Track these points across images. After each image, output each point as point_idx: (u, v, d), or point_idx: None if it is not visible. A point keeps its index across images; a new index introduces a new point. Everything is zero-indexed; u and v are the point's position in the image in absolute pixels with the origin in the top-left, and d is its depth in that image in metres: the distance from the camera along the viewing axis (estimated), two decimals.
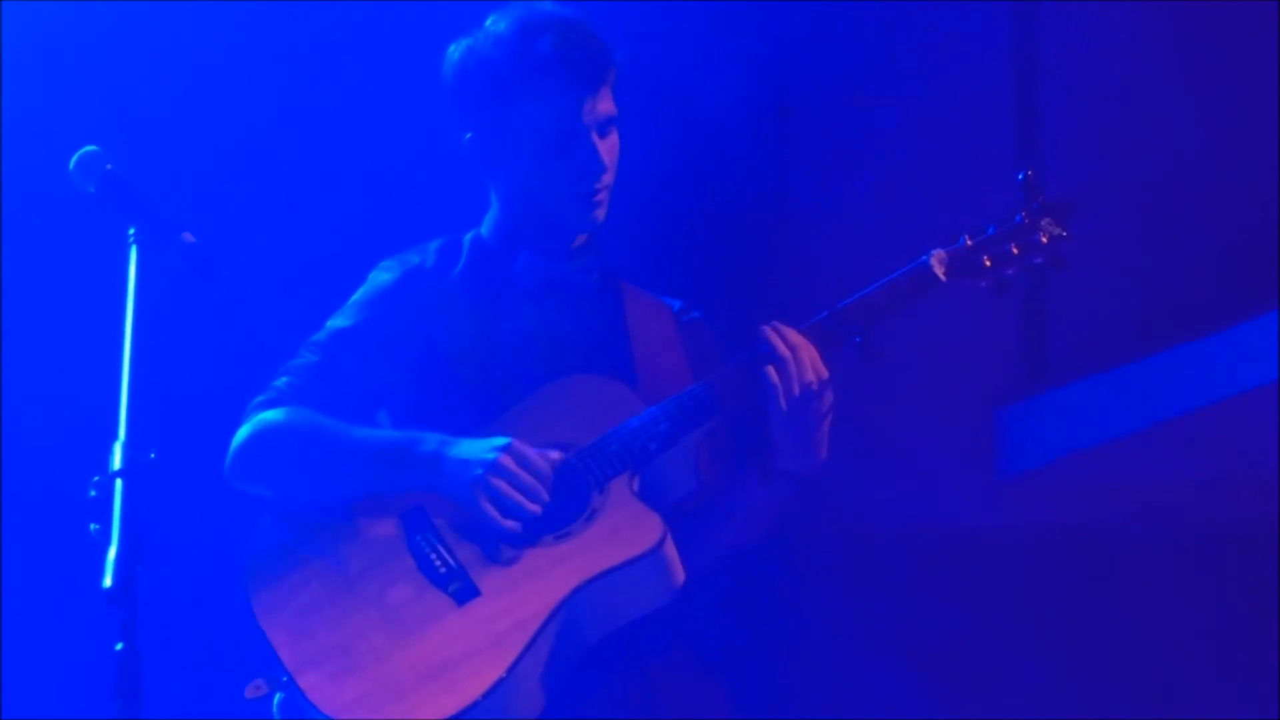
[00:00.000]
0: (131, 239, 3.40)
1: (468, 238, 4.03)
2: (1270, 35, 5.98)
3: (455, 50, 3.94)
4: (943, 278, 3.83)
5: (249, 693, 3.66)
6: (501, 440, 3.71)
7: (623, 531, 3.68)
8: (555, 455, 3.73)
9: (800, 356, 3.77)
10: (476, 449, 3.71)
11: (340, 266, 4.14)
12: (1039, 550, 6.05)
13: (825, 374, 3.78)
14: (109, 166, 3.48)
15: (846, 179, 6.13)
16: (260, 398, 3.88)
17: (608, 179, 3.89)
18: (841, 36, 6.12)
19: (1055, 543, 6.07)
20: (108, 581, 3.11)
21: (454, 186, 4.75)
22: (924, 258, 3.84)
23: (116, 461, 3.20)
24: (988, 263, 3.86)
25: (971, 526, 6.07)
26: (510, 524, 3.67)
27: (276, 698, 3.65)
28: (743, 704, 3.99)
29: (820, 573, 5.91)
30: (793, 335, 3.79)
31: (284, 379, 3.90)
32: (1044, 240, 3.88)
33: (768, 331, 3.79)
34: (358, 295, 3.98)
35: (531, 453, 3.70)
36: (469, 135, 3.94)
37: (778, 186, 6.10)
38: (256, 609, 3.67)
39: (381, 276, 3.99)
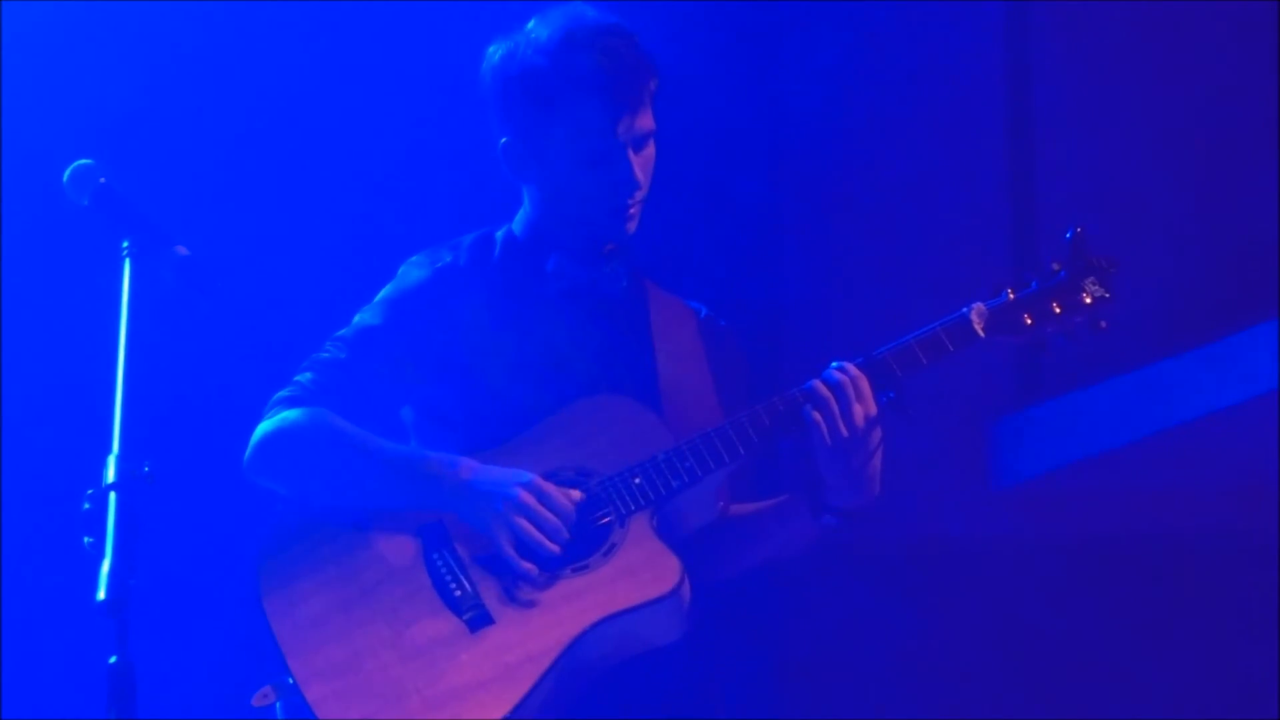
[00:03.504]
0: (125, 252, 3.40)
1: (500, 234, 4.00)
2: (1268, 42, 5.98)
3: (495, 52, 3.89)
4: (982, 334, 3.77)
5: (256, 701, 3.65)
6: (525, 476, 3.69)
7: (641, 571, 3.66)
8: (576, 494, 3.71)
9: (846, 394, 3.74)
10: (500, 482, 3.69)
11: (334, 280, 4.14)
12: (1034, 561, 6.05)
13: (873, 411, 3.75)
14: (103, 179, 3.48)
15: (840, 212, 6.14)
16: (283, 392, 3.85)
17: (640, 194, 3.87)
18: (836, 62, 6.13)
19: (1050, 554, 6.06)
20: (101, 594, 3.11)
21: (449, 195, 4.76)
22: (964, 310, 3.79)
23: (110, 474, 3.20)
24: (1028, 320, 3.81)
25: (966, 537, 6.07)
26: (528, 566, 3.66)
27: (277, 705, 3.65)
28: (740, 713, 3.99)
29: (815, 583, 5.91)
30: (836, 373, 3.75)
31: (308, 375, 3.86)
32: (1087, 301, 3.81)
33: (817, 383, 3.76)
34: (386, 292, 3.94)
35: (554, 491, 3.68)
36: (504, 140, 3.91)
37: (770, 207, 6.11)
38: (268, 610, 3.65)
39: (412, 274, 3.94)
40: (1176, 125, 6.10)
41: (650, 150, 3.88)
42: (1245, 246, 5.98)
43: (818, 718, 5.90)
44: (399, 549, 3.72)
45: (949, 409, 6.00)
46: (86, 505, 3.20)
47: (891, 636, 5.99)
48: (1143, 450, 5.83)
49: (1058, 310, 3.82)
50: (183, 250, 3.44)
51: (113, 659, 3.11)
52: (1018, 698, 5.96)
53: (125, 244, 3.41)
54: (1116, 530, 6.11)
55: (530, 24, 3.88)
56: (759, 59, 6.00)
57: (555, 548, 3.65)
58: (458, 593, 3.67)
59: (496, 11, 3.96)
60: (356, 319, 3.92)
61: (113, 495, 3.18)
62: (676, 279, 4.21)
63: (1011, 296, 3.82)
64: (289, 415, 3.80)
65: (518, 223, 4.00)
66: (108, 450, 3.23)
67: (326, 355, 3.88)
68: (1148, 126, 6.12)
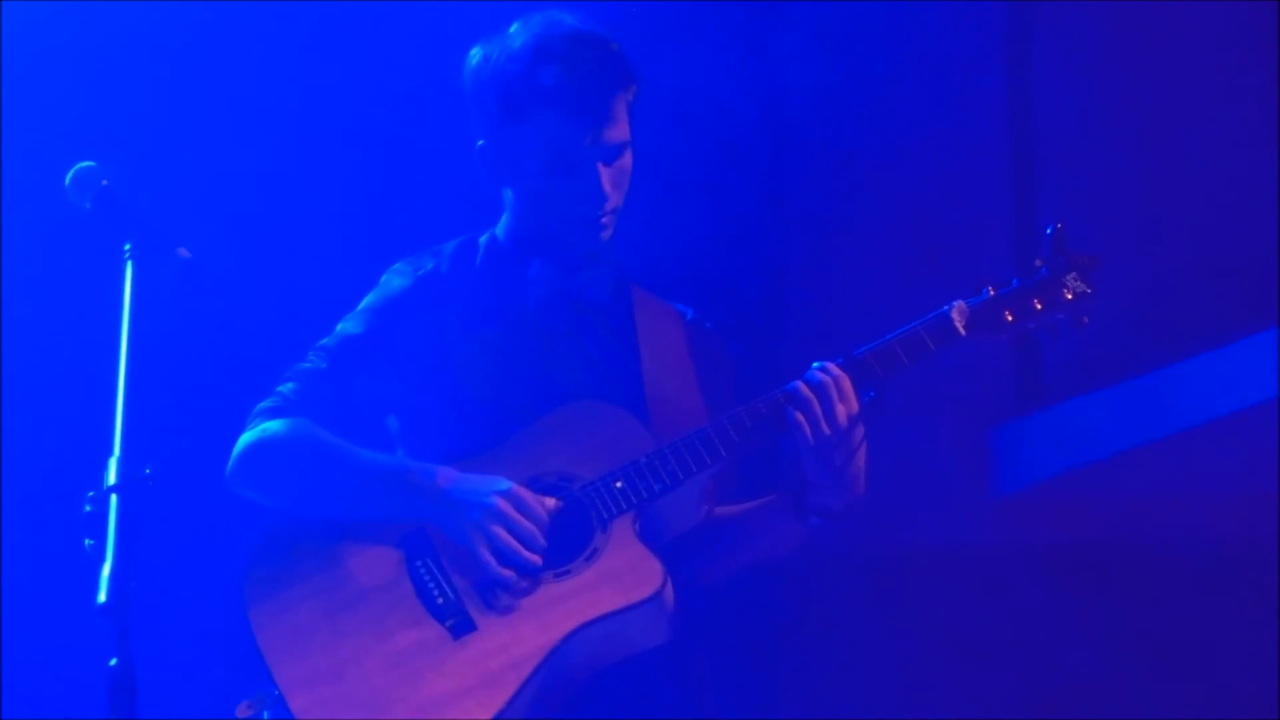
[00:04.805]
0: (127, 254, 3.40)
1: (483, 240, 4.01)
2: (1269, 46, 5.97)
3: (473, 56, 3.90)
4: (963, 332, 3.77)
5: (240, 712, 3.65)
6: (503, 484, 3.70)
7: (624, 576, 3.67)
8: (551, 502, 3.71)
9: (828, 394, 3.74)
10: (477, 490, 3.69)
11: (336, 282, 4.14)
12: (1033, 568, 6.04)
13: (855, 410, 3.75)
14: (105, 182, 3.49)
15: (842, 211, 6.14)
16: (266, 403, 3.86)
17: (611, 205, 3.86)
18: (838, 60, 6.13)
19: (1049, 560, 6.06)
20: (102, 597, 3.11)
21: (453, 196, 4.76)
22: (945, 308, 3.79)
23: (111, 477, 3.20)
24: (1009, 318, 3.81)
25: (966, 544, 6.06)
26: (506, 571, 3.66)
27: (265, 715, 3.65)
28: (729, 718, 3.98)
29: (814, 591, 5.90)
30: (818, 373, 3.76)
31: (290, 385, 3.87)
32: (1068, 296, 3.81)
33: (800, 384, 3.76)
34: (369, 300, 3.95)
35: (530, 498, 3.69)
36: (480, 143, 3.92)
37: (772, 206, 6.11)
38: (253, 621, 3.66)
39: (395, 282, 3.95)
40: (1177, 129, 6.10)
41: (625, 160, 3.87)
42: (1246, 254, 5.97)
43: None
44: (383, 557, 3.73)
45: (949, 415, 6.00)
46: (87, 508, 3.20)
47: (890, 643, 5.99)
48: (1143, 457, 5.83)
49: (1039, 307, 3.82)
50: (184, 253, 3.44)
51: (113, 662, 3.10)
52: (1018, 704, 5.95)
53: (127, 246, 3.41)
54: (1116, 537, 6.10)
55: (512, 27, 3.89)
56: (760, 57, 6.00)
57: (533, 556, 3.66)
58: (440, 600, 3.68)
59: (496, 14, 3.96)
60: (339, 328, 3.93)
61: (114, 498, 3.18)
62: (677, 279, 4.21)
63: (992, 294, 3.82)
64: (270, 427, 3.82)
65: (501, 227, 4.01)
66: (109, 453, 3.22)
67: (309, 365, 3.90)
68: (1148, 130, 6.12)
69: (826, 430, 3.72)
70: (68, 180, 3.52)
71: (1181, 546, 6.04)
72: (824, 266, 6.10)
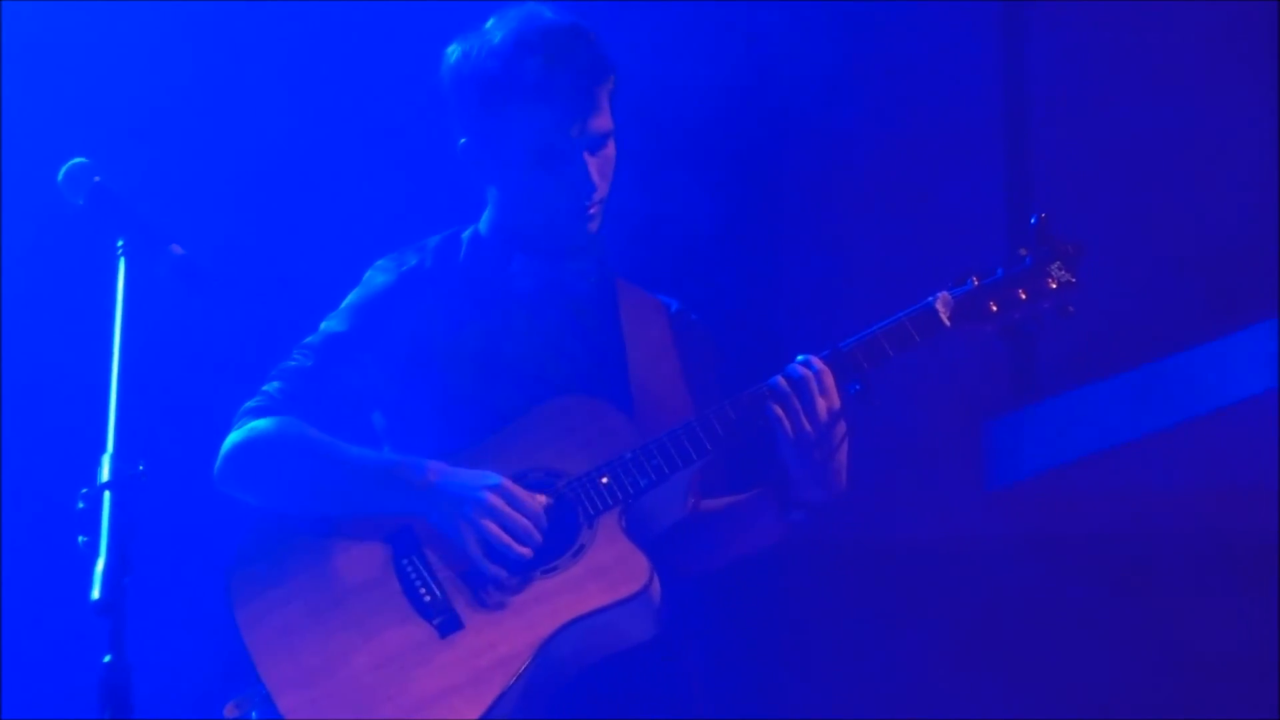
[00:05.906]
0: (120, 251, 3.40)
1: (466, 235, 4.00)
2: (1268, 38, 5.97)
3: (452, 53, 3.89)
4: (947, 323, 3.75)
5: (228, 712, 3.65)
6: (493, 478, 3.69)
7: (610, 572, 3.67)
8: (543, 499, 3.71)
9: (808, 388, 3.73)
10: (467, 485, 3.69)
11: (328, 279, 4.13)
12: (1028, 561, 6.04)
13: (836, 404, 3.74)
14: (97, 179, 3.48)
15: (838, 208, 6.13)
16: (252, 402, 3.86)
17: (599, 195, 3.86)
18: (835, 57, 6.12)
19: (1044, 554, 6.06)
20: (96, 593, 3.10)
21: (443, 191, 4.76)
22: (929, 299, 3.77)
23: (105, 473, 3.19)
24: (994, 308, 3.78)
25: (960, 537, 6.07)
26: (496, 569, 3.66)
27: (253, 715, 3.65)
28: (719, 712, 3.98)
29: (809, 584, 5.91)
30: (799, 367, 3.75)
31: (276, 384, 3.87)
32: (1053, 286, 3.79)
33: (780, 379, 3.75)
34: (352, 298, 3.95)
35: (522, 493, 3.68)
36: (463, 140, 3.91)
37: (770, 201, 6.11)
38: (240, 621, 3.67)
39: (377, 279, 3.95)
40: (1175, 123, 6.10)
41: (609, 150, 3.87)
42: (1243, 245, 5.97)
43: (806, 718, 5.90)
44: (370, 556, 3.72)
45: (943, 409, 6.01)
46: (81, 504, 3.19)
47: (884, 636, 5.99)
48: (1139, 450, 5.83)
49: (1023, 296, 3.80)
50: (177, 249, 3.43)
51: (107, 658, 3.10)
52: (1011, 698, 5.96)
53: (120, 243, 3.40)
54: (1112, 531, 6.10)
55: (489, 23, 3.88)
56: (752, 44, 5.99)
57: (524, 550, 3.66)
58: (427, 598, 3.68)
59: (476, 11, 3.95)
60: (323, 325, 3.93)
61: (107, 494, 3.17)
62: (667, 270, 4.20)
63: (976, 284, 3.81)
64: (257, 426, 3.82)
65: (484, 222, 4.00)
66: (102, 449, 3.22)
67: (294, 363, 3.89)
68: (1146, 125, 6.12)
69: (806, 425, 3.71)
70: (60, 177, 3.51)
71: (1177, 539, 6.05)
72: (816, 257, 6.10)
